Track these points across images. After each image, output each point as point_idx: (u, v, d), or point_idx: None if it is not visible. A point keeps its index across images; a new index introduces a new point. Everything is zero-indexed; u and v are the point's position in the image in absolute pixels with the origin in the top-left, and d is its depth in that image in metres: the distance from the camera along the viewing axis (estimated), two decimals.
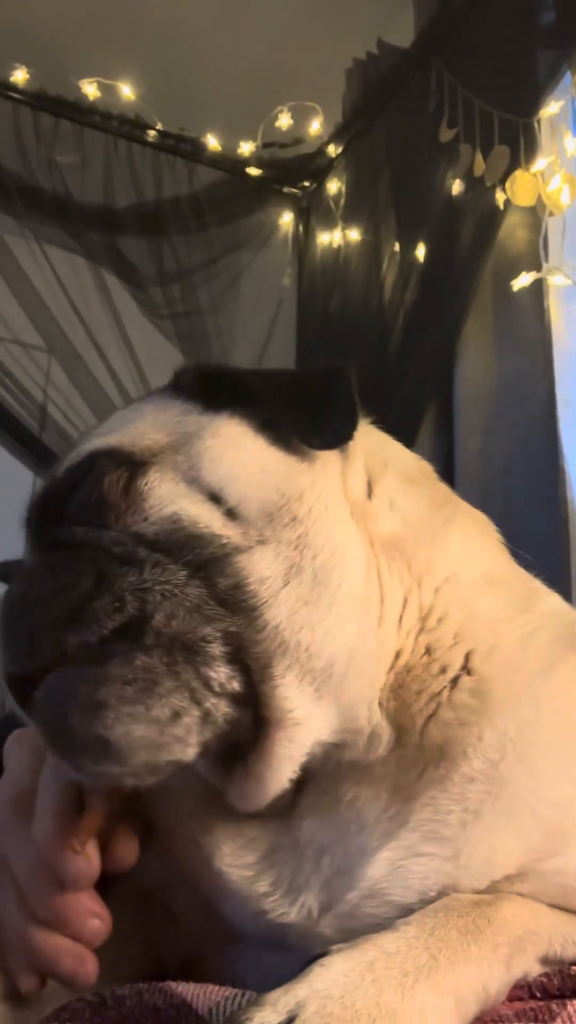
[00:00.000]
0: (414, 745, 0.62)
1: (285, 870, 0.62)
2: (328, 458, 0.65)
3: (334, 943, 0.53)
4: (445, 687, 0.63)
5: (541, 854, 0.63)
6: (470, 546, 0.71)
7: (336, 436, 0.63)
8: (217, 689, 0.56)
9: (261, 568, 0.58)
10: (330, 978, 0.48)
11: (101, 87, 2.59)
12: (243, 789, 0.60)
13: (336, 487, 0.65)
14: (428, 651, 0.64)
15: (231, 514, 0.59)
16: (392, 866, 0.60)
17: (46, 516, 0.64)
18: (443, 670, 0.64)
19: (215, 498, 0.60)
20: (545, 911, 0.63)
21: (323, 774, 0.62)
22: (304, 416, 0.63)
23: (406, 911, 0.58)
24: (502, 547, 0.76)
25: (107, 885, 0.62)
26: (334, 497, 0.64)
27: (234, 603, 0.57)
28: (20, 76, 2.52)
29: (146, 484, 0.60)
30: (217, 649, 0.56)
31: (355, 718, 0.62)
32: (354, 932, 0.55)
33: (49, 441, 2.40)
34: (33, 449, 2.39)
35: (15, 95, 2.52)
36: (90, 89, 2.59)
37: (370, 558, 0.64)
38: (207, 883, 0.65)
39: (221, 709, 0.56)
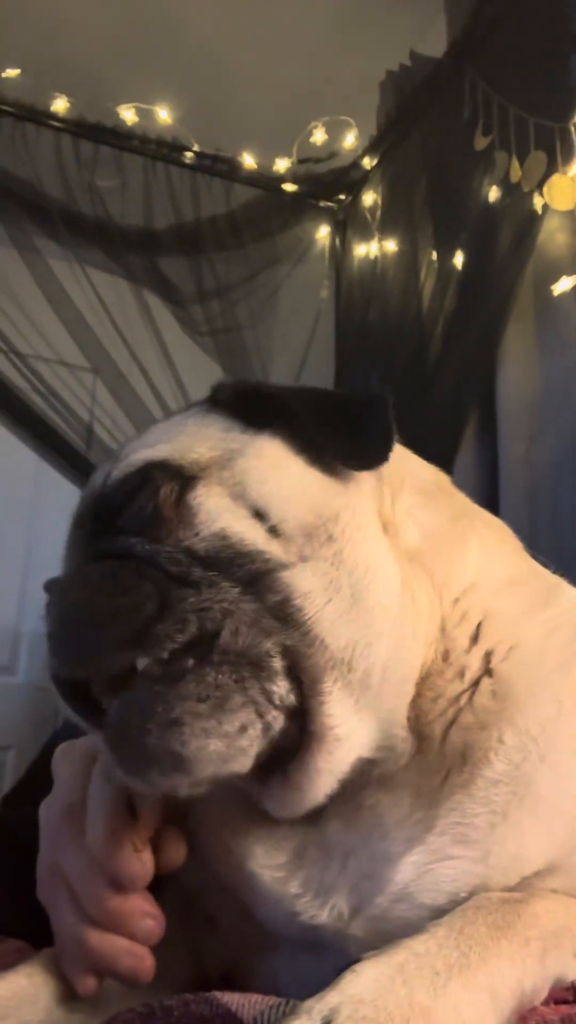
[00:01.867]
0: (435, 751, 0.63)
1: (314, 871, 0.64)
2: (361, 478, 0.67)
3: (367, 944, 0.54)
4: (466, 691, 0.64)
5: (569, 848, 0.63)
6: (488, 555, 0.72)
7: (374, 459, 0.66)
8: (277, 703, 0.59)
9: (303, 584, 0.60)
10: (362, 983, 0.48)
11: (138, 112, 2.65)
12: (281, 797, 0.62)
13: (369, 505, 0.67)
14: (444, 657, 0.65)
15: (273, 531, 0.61)
16: (420, 869, 0.61)
17: (99, 521, 0.66)
18: (461, 674, 0.65)
19: (259, 515, 0.62)
20: None
21: (348, 782, 0.63)
22: (343, 438, 0.66)
23: (438, 913, 0.58)
24: (521, 552, 0.78)
25: (151, 891, 0.64)
26: (367, 515, 0.66)
27: (285, 617, 0.59)
28: (60, 105, 2.59)
29: (196, 498, 0.62)
30: (278, 663, 0.59)
31: (390, 733, 0.63)
32: (386, 934, 0.56)
33: (95, 459, 2.45)
34: (79, 467, 2.44)
35: (56, 123, 2.59)
36: (128, 114, 2.65)
37: (404, 574, 0.65)
38: (242, 886, 0.66)
39: (279, 722, 0.59)
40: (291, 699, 0.59)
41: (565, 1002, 0.56)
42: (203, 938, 0.70)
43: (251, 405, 0.69)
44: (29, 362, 2.49)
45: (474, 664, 0.65)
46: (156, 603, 0.57)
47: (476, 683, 0.64)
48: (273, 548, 0.60)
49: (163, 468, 0.64)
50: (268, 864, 0.65)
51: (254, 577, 0.59)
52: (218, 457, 0.65)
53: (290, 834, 0.65)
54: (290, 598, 0.59)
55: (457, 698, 0.64)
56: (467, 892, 0.60)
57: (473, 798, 0.61)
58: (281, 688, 0.59)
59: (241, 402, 0.69)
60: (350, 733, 0.60)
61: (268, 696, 0.58)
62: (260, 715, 0.58)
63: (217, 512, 0.61)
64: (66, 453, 2.46)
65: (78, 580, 0.61)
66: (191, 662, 0.57)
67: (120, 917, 0.62)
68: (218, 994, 0.55)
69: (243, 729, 0.57)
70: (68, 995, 0.64)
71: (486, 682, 0.64)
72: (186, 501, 0.62)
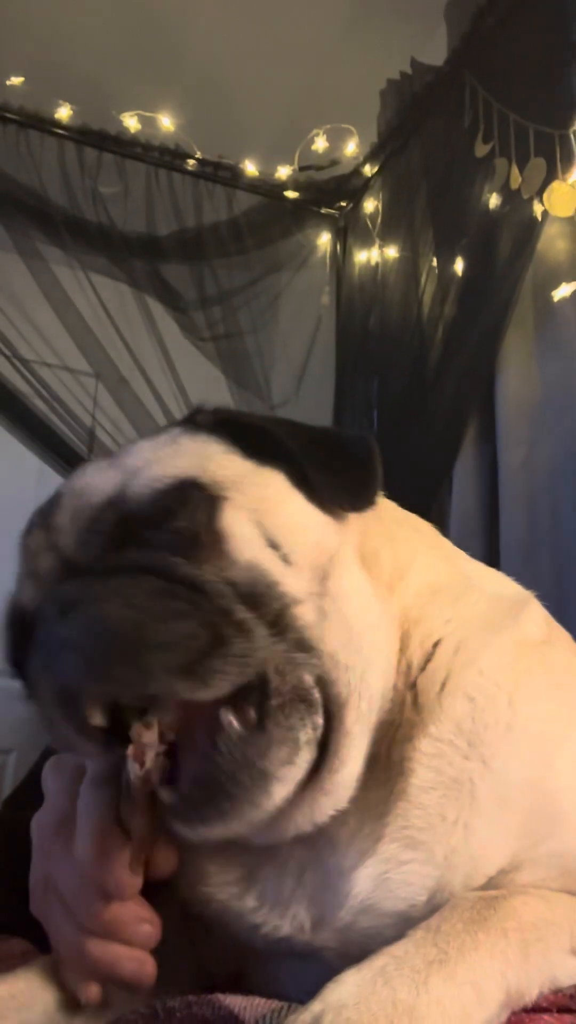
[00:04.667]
0: (382, 768, 0.63)
1: (269, 884, 0.64)
2: (350, 521, 0.68)
3: (341, 953, 0.55)
4: (398, 711, 0.65)
5: (530, 840, 0.63)
6: (422, 571, 0.72)
7: (368, 502, 0.67)
8: (318, 737, 0.59)
9: (312, 619, 0.61)
10: (344, 989, 0.49)
11: (141, 119, 2.67)
12: (267, 826, 0.60)
13: (351, 540, 0.68)
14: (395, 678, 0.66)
15: (286, 560, 0.62)
16: (376, 881, 0.61)
17: (127, 526, 0.63)
18: (397, 694, 0.65)
19: (273, 545, 0.62)
20: (562, 900, 0.62)
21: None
22: (341, 482, 0.67)
23: (402, 919, 0.59)
24: (447, 555, 0.78)
25: (152, 900, 0.64)
26: (351, 551, 0.67)
27: (308, 648, 0.59)
28: (64, 113, 2.61)
29: (225, 522, 0.62)
30: (318, 695, 0.59)
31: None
32: (357, 944, 0.56)
33: None
34: None
35: (60, 131, 2.61)
36: (131, 122, 2.67)
37: (384, 605, 0.66)
38: (203, 905, 0.66)
39: (314, 754, 0.59)
40: (323, 732, 0.59)
41: (569, 1010, 0.56)
42: (204, 944, 0.70)
43: (240, 435, 0.69)
44: (32, 367, 2.51)
45: (401, 681, 0.66)
46: (208, 636, 0.56)
47: (403, 701, 0.65)
48: (288, 581, 0.61)
49: (198, 487, 0.63)
50: (221, 882, 0.65)
51: (278, 615, 0.59)
52: (232, 478, 0.65)
53: (241, 851, 0.65)
54: (306, 633, 0.60)
55: (393, 720, 0.64)
56: (425, 895, 0.60)
57: (411, 804, 0.62)
58: (320, 721, 0.59)
59: (225, 429, 0.69)
60: (350, 776, 0.61)
61: (316, 730, 0.59)
62: (311, 752, 0.59)
63: (246, 539, 0.61)
64: (68, 456, 2.47)
65: (118, 592, 0.57)
66: (253, 711, 0.57)
67: (117, 925, 0.62)
68: (220, 996, 0.55)
69: (303, 767, 0.58)
70: (67, 1001, 0.65)
71: (409, 696, 0.65)
72: (217, 524, 0.61)
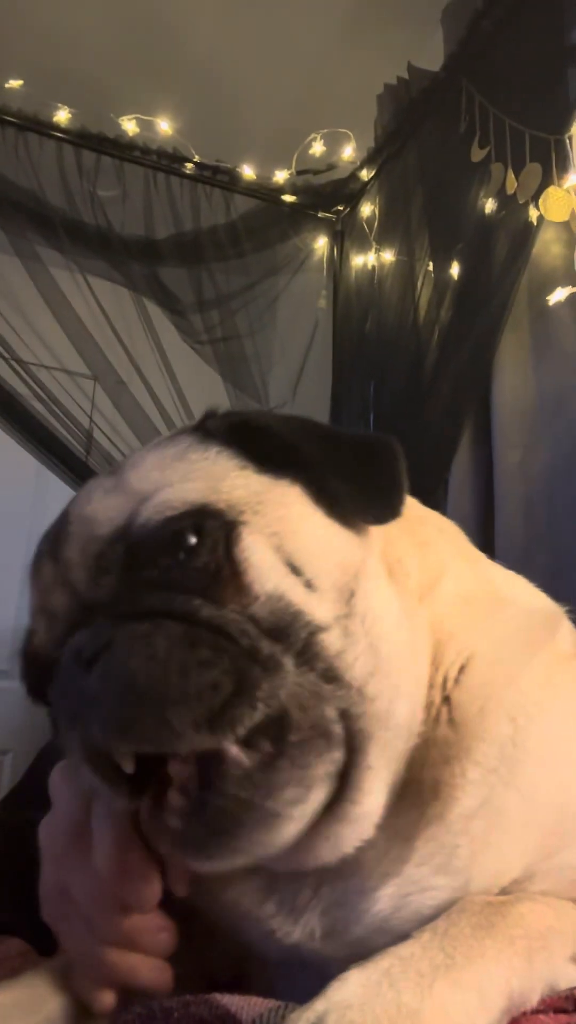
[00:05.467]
0: (412, 790, 0.61)
1: (287, 894, 0.63)
2: (373, 529, 0.66)
3: (349, 963, 0.53)
4: (432, 725, 0.63)
5: (545, 853, 0.63)
6: (448, 575, 0.70)
7: (393, 513, 0.64)
8: (336, 771, 0.57)
9: (339, 645, 0.58)
10: (348, 989, 0.49)
11: (140, 123, 2.67)
12: (286, 857, 0.59)
13: (376, 553, 0.65)
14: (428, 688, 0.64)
15: (309, 586, 0.59)
16: (398, 902, 0.60)
17: (134, 557, 0.60)
18: (428, 708, 0.63)
19: (295, 570, 0.59)
20: (569, 908, 0.62)
21: None
22: (363, 493, 0.64)
23: None
24: (473, 559, 0.76)
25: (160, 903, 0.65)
26: (377, 565, 0.64)
27: (334, 679, 0.57)
28: (63, 116, 2.61)
29: (244, 552, 0.59)
30: (339, 730, 0.57)
31: (395, 777, 0.61)
32: (366, 957, 0.55)
33: (95, 465, 2.46)
34: (79, 473, 2.45)
35: (58, 134, 2.61)
36: (129, 125, 2.67)
37: (412, 619, 0.64)
38: (222, 911, 0.66)
39: (331, 788, 0.57)
40: (342, 764, 0.57)
41: (564, 1011, 0.56)
42: (208, 949, 0.71)
43: (253, 443, 0.65)
44: (31, 369, 2.51)
45: (436, 696, 0.63)
46: (233, 683, 0.54)
47: (437, 716, 0.63)
48: (312, 608, 0.58)
49: (211, 515, 0.59)
50: (245, 889, 0.64)
51: (305, 645, 0.57)
52: (246, 500, 0.61)
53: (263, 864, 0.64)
54: (333, 661, 0.57)
55: (426, 736, 0.62)
56: (440, 912, 0.59)
57: (450, 831, 0.60)
58: (340, 755, 0.57)
59: (234, 435, 0.66)
60: (375, 806, 0.59)
61: (334, 765, 0.57)
62: (326, 787, 0.57)
63: (267, 568, 0.58)
64: (66, 459, 2.47)
65: (139, 643, 0.55)
66: (269, 746, 0.55)
67: (136, 935, 0.62)
68: (218, 996, 0.55)
69: (317, 803, 0.56)
70: (71, 1007, 0.65)
71: (444, 712, 0.63)
72: (236, 554, 0.58)
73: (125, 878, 0.61)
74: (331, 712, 0.57)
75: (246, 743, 0.55)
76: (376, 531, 0.66)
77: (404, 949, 0.53)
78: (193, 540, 0.59)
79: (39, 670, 0.61)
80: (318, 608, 0.59)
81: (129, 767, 0.56)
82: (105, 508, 0.63)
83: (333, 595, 0.59)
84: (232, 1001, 0.55)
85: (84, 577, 0.62)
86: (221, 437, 0.66)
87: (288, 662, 0.56)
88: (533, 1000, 0.55)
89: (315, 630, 0.58)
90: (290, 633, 0.57)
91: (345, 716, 0.57)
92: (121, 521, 0.61)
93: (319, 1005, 0.48)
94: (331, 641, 0.58)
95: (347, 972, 0.51)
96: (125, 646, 0.55)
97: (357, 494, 0.64)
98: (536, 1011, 0.56)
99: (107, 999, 0.63)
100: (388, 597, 0.63)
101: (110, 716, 0.54)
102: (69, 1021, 0.65)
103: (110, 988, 0.63)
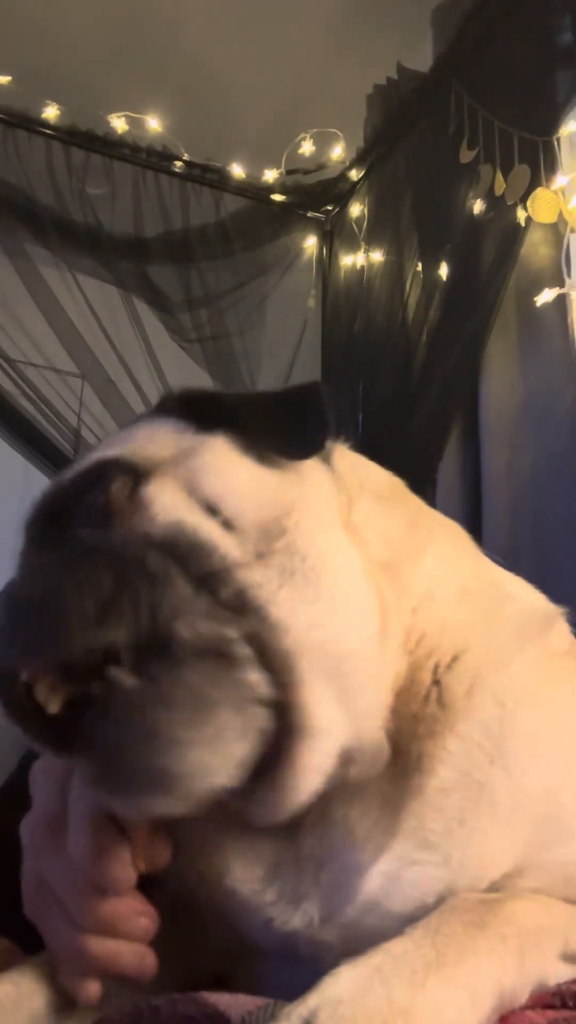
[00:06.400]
0: (402, 762, 0.62)
1: (287, 883, 0.63)
2: (313, 474, 0.67)
3: (342, 952, 0.53)
4: (421, 704, 0.64)
5: (536, 846, 0.63)
6: (443, 564, 0.71)
7: (309, 445, 0.65)
8: (252, 695, 0.55)
9: (258, 576, 0.58)
10: (340, 985, 0.49)
11: (129, 121, 2.67)
12: (267, 800, 0.59)
13: (324, 500, 0.66)
14: (412, 672, 0.65)
15: (227, 525, 0.59)
16: (388, 878, 0.60)
17: (51, 519, 0.65)
18: (418, 688, 0.64)
19: (212, 510, 0.60)
20: (560, 907, 0.63)
21: (323, 793, 0.62)
22: (280, 431, 0.65)
23: (407, 921, 0.58)
24: (476, 557, 0.77)
25: (140, 889, 0.64)
26: (321, 508, 0.65)
27: (240, 607, 0.57)
28: (52, 113, 2.60)
29: (150, 491, 0.60)
30: (244, 651, 0.55)
31: (365, 732, 0.61)
32: (360, 942, 0.55)
33: None
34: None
35: (47, 131, 2.60)
36: (118, 123, 2.66)
37: (369, 570, 0.64)
38: (220, 900, 0.66)
39: (260, 719, 0.56)
40: (268, 691, 0.56)
41: (552, 1007, 0.56)
42: (193, 943, 0.70)
43: (200, 410, 0.68)
44: (19, 367, 2.50)
45: (426, 678, 0.64)
46: (112, 582, 0.54)
47: (427, 696, 0.64)
48: (228, 544, 0.58)
49: (116, 464, 0.63)
50: (246, 878, 0.64)
51: (209, 574, 0.57)
52: (171, 456, 0.64)
53: (266, 851, 0.64)
54: (244, 590, 0.57)
55: (416, 714, 0.63)
56: (433, 898, 0.60)
57: (428, 804, 0.61)
58: (253, 679, 0.55)
59: (188, 408, 0.69)
60: (331, 724, 0.58)
61: (241, 688, 0.55)
62: (239, 710, 0.55)
63: (172, 504, 0.60)
64: (54, 457, 2.46)
65: (26, 572, 0.60)
66: (155, 664, 0.53)
67: (114, 921, 0.62)
68: (206, 994, 0.55)
69: (226, 732, 0.54)
70: (56, 1004, 0.64)
71: (433, 691, 0.64)
72: (140, 494, 0.60)
73: (98, 860, 0.61)
74: (231, 633, 0.55)
75: (134, 665, 0.54)
76: (327, 487, 0.67)
77: (396, 946, 0.53)
78: (95, 485, 0.62)
79: None
80: (235, 546, 0.58)
81: (41, 697, 0.54)
82: (59, 477, 0.68)
83: (255, 535, 0.59)
84: (221, 999, 0.55)
85: (30, 531, 0.67)
86: (175, 412, 0.69)
87: (180, 582, 0.56)
88: (523, 998, 0.55)
89: (228, 565, 0.57)
90: (189, 557, 0.57)
91: (254, 639, 0.56)
92: (56, 481, 0.67)
93: (311, 1000, 0.48)
94: (247, 575, 0.57)
95: (338, 968, 0.51)
96: (23, 576, 0.59)
97: (276, 433, 0.65)
98: (525, 1007, 0.56)
99: (92, 989, 0.63)
100: (336, 539, 0.64)
101: (8, 639, 0.56)
102: (54, 1017, 0.64)
103: (94, 978, 0.63)
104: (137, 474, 0.62)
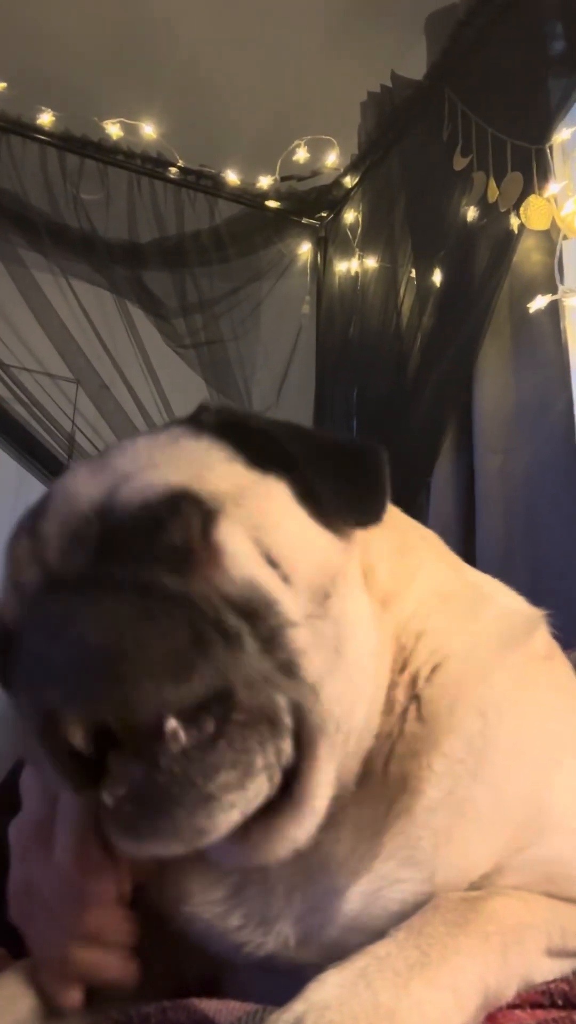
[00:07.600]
0: (378, 783, 0.61)
1: (255, 905, 0.62)
2: (355, 535, 0.65)
3: (323, 968, 0.52)
4: (397, 722, 0.63)
5: (513, 849, 0.63)
6: (427, 579, 0.70)
7: (375, 517, 0.64)
8: (282, 764, 0.56)
9: (305, 642, 0.57)
10: (326, 990, 0.49)
11: (124, 127, 2.67)
12: (238, 853, 0.59)
13: (356, 557, 0.65)
14: (387, 691, 0.64)
15: (285, 580, 0.59)
16: (368, 898, 0.60)
17: (109, 545, 0.59)
18: (393, 707, 0.63)
19: (272, 562, 0.59)
20: (541, 903, 0.62)
21: None
22: (343, 494, 0.63)
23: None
24: (455, 565, 0.76)
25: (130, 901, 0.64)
26: (355, 569, 0.64)
27: (291, 672, 0.56)
28: (46, 119, 2.61)
29: (221, 536, 0.58)
30: (288, 720, 0.56)
31: (346, 768, 0.61)
32: (344, 957, 0.54)
33: None
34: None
35: (42, 137, 2.61)
36: (113, 129, 2.67)
37: (375, 615, 0.64)
38: (184, 923, 0.65)
39: (275, 781, 0.56)
40: (291, 759, 0.56)
41: (540, 1006, 0.57)
42: (180, 950, 0.70)
43: (244, 438, 0.65)
44: (13, 372, 2.50)
45: (400, 695, 0.63)
46: (188, 637, 0.53)
47: (405, 712, 0.63)
48: (286, 601, 0.57)
49: (190, 499, 0.59)
50: (205, 901, 0.63)
51: (271, 633, 0.56)
52: (230, 491, 0.61)
53: (227, 872, 0.63)
54: (296, 656, 0.57)
55: (391, 732, 0.62)
56: (414, 908, 0.59)
57: (415, 824, 0.60)
58: (286, 748, 0.55)
59: (228, 431, 0.66)
60: (328, 784, 0.58)
61: (279, 757, 0.55)
62: (271, 779, 0.55)
63: (244, 555, 0.58)
64: (48, 463, 2.46)
65: (98, 611, 0.54)
66: (211, 725, 0.53)
67: (99, 929, 0.62)
68: (196, 1001, 0.56)
69: (259, 794, 0.54)
70: (41, 1010, 0.64)
71: (412, 708, 0.63)
72: (212, 538, 0.57)
73: (84, 871, 0.61)
74: (282, 701, 0.56)
75: (188, 720, 0.53)
76: (358, 537, 0.65)
77: (380, 948, 0.53)
78: (170, 521, 0.58)
79: (5, 644, 0.60)
80: (291, 604, 0.58)
81: (78, 741, 0.53)
82: (87, 485, 0.62)
83: (307, 594, 0.59)
84: (210, 1006, 0.55)
85: (58, 552, 0.61)
86: (213, 431, 0.66)
87: (250, 643, 0.55)
88: (509, 995, 0.56)
89: (284, 623, 0.57)
90: (259, 617, 0.56)
91: (297, 709, 0.56)
92: (100, 497, 0.60)
93: (297, 1006, 0.48)
94: (298, 637, 0.57)
95: (324, 973, 0.51)
96: (85, 614, 0.54)
97: (341, 496, 0.63)
98: (513, 1006, 0.56)
99: (74, 996, 0.63)
100: (362, 604, 0.63)
101: (63, 682, 0.53)
102: (40, 1022, 0.64)
103: (77, 984, 0.63)
104: (204, 510, 0.59)
